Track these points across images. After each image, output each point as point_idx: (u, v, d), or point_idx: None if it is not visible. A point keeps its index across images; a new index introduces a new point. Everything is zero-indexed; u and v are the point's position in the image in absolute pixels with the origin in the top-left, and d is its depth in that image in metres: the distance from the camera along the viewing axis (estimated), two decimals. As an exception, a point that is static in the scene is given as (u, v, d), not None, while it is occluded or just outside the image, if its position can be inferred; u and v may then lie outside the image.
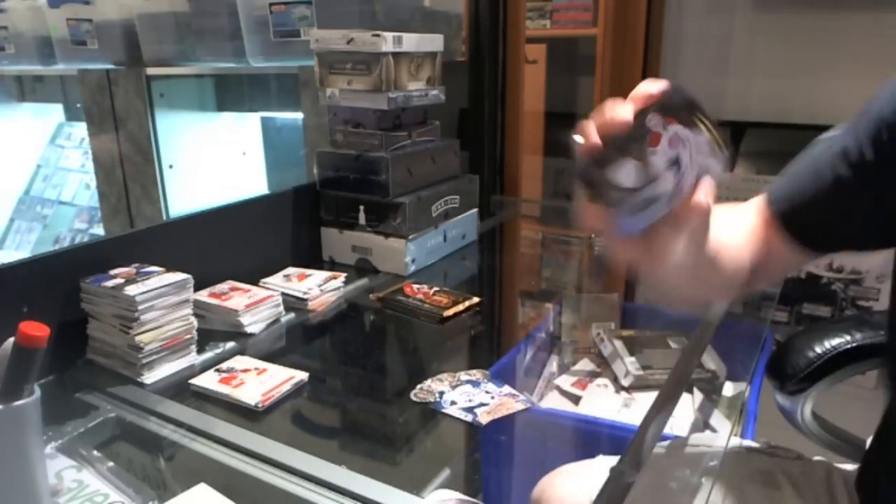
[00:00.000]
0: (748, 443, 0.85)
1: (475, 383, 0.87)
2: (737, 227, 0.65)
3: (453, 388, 0.86)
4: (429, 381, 0.87)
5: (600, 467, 0.78)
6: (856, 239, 0.63)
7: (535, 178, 2.59)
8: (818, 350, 0.91)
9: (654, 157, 0.45)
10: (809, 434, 0.97)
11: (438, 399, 0.83)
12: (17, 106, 2.38)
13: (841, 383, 0.92)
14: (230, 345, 0.98)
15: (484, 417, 0.79)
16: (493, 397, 0.83)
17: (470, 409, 0.81)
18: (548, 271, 1.50)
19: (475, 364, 0.93)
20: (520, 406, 0.81)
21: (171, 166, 1.76)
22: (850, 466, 0.80)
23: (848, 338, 0.92)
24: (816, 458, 0.82)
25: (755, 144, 2.04)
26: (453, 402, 0.82)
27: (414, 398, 0.84)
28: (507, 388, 0.85)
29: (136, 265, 0.92)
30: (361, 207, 1.27)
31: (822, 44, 1.90)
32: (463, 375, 0.88)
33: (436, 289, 1.15)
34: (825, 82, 1.90)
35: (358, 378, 0.97)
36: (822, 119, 1.88)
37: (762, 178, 1.98)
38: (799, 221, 0.63)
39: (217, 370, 0.89)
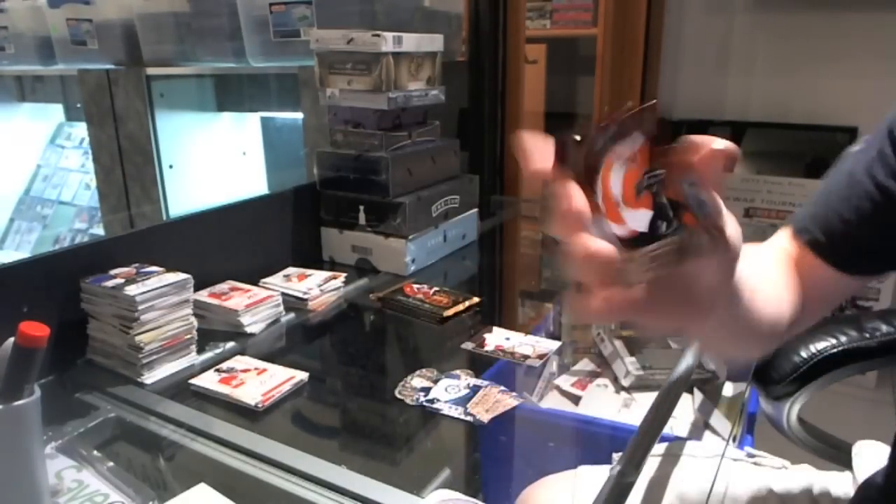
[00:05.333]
0: (734, 452, 0.85)
1: (455, 376, 0.87)
2: (767, 266, 0.58)
3: (435, 382, 0.86)
4: (410, 378, 0.87)
5: (581, 477, 0.78)
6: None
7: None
8: (804, 354, 0.88)
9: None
10: (796, 440, 0.95)
11: (421, 397, 0.83)
12: (17, 106, 2.38)
13: (838, 383, 0.91)
14: (230, 345, 0.98)
15: (485, 416, 0.79)
16: (476, 388, 0.83)
17: (458, 402, 0.80)
18: (548, 271, 1.50)
19: (475, 364, 0.93)
20: (513, 401, 0.81)
21: (171, 166, 1.76)
22: (838, 474, 0.79)
23: (834, 341, 0.88)
24: (803, 466, 0.82)
25: (755, 144, 2.04)
26: (437, 400, 0.82)
27: (398, 395, 0.84)
28: (488, 382, 0.85)
29: (136, 265, 0.92)
30: (361, 207, 1.27)
31: (822, 44, 1.90)
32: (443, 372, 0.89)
33: (436, 289, 1.15)
34: (825, 82, 1.90)
35: (358, 378, 0.97)
36: (822, 119, 1.89)
37: (762, 178, 1.98)
38: (835, 250, 0.57)
39: (217, 370, 0.89)
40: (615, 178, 0.33)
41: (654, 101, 0.33)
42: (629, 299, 0.35)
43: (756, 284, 0.48)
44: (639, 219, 0.33)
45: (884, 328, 0.90)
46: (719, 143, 0.32)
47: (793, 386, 0.89)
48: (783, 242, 0.61)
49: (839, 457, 0.92)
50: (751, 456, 0.83)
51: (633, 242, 0.33)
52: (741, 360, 0.80)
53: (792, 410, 0.91)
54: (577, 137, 0.33)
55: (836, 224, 0.57)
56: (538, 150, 0.34)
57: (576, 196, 0.33)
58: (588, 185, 0.33)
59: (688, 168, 0.33)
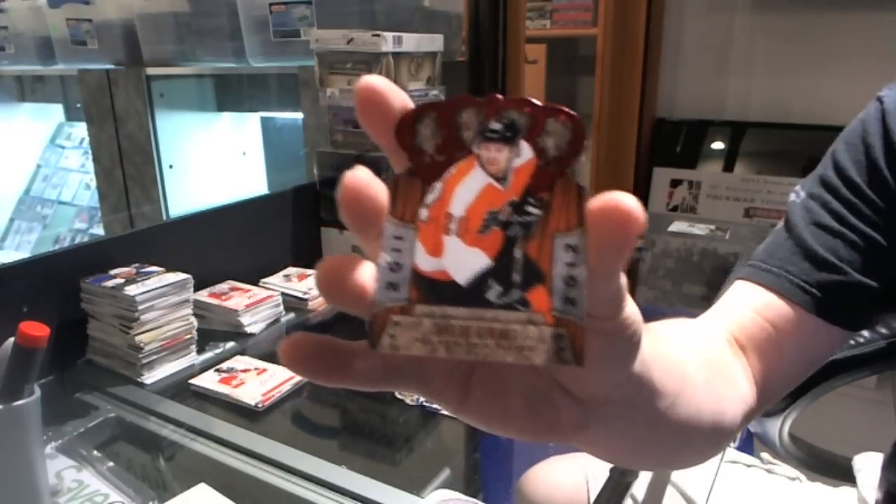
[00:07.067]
0: (747, 458, 0.84)
1: None
2: (705, 348, 0.45)
3: None
4: None
5: (587, 460, 0.78)
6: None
7: (535, 178, 2.59)
8: None
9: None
10: (788, 458, 0.91)
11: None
12: (17, 106, 2.38)
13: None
14: (230, 345, 0.98)
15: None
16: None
17: None
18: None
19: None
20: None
21: (171, 166, 1.76)
22: (848, 489, 0.79)
23: None
24: (816, 483, 0.81)
25: (755, 144, 2.04)
26: None
27: (398, 395, 0.83)
28: None
29: (136, 265, 0.92)
30: (361, 207, 1.27)
31: (822, 44, 1.90)
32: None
33: (436, 289, 1.15)
34: (825, 82, 1.90)
35: (358, 378, 0.97)
36: (822, 119, 1.89)
37: (762, 178, 1.98)
38: (832, 303, 0.48)
39: (217, 370, 0.89)
40: (465, 190, 0.22)
41: (574, 115, 0.22)
42: (373, 367, 0.25)
43: (687, 379, 0.36)
44: (466, 260, 0.22)
45: (867, 335, 0.88)
46: (629, 202, 0.21)
47: (784, 402, 0.86)
48: (746, 301, 0.51)
49: (840, 473, 0.89)
50: (765, 463, 0.82)
51: (433, 290, 0.22)
52: (676, 469, 0.70)
53: (784, 427, 0.88)
54: (435, 111, 0.22)
55: (827, 275, 0.49)
56: (394, 97, 0.23)
57: (371, 180, 0.23)
58: (422, 179, 0.23)
59: (576, 224, 0.22)
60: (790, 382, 0.50)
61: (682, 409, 0.35)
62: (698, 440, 0.40)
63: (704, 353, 0.44)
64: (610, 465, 0.60)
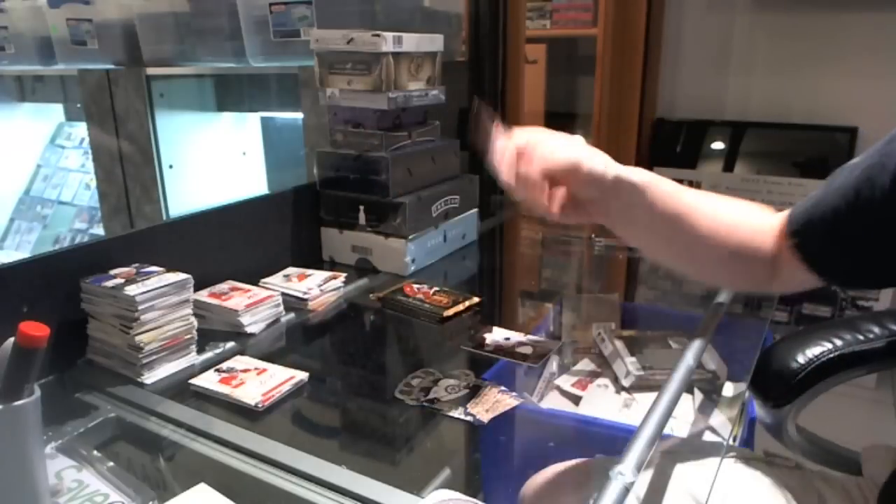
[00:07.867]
0: (747, 451, 0.85)
1: (455, 376, 0.87)
2: (760, 219, 0.69)
3: (435, 382, 0.86)
4: (411, 379, 0.87)
5: (590, 467, 0.79)
6: (874, 274, 0.60)
7: (535, 178, 2.58)
8: (800, 360, 0.87)
9: None
10: (795, 448, 0.93)
11: (421, 397, 0.83)
12: (17, 106, 2.38)
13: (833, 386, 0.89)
14: (230, 345, 0.98)
15: (485, 416, 0.79)
16: (476, 388, 0.83)
17: (458, 402, 0.81)
18: (548, 271, 1.50)
19: (475, 365, 0.93)
20: (513, 401, 0.81)
21: (171, 166, 1.76)
22: (849, 476, 0.79)
23: (829, 346, 0.88)
24: (816, 468, 0.82)
25: (755, 144, 2.04)
26: (437, 400, 0.82)
27: (398, 395, 0.84)
28: (488, 382, 0.85)
29: (136, 265, 0.92)
30: (361, 207, 1.27)
31: (822, 43, 1.90)
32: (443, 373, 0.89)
33: (436, 289, 1.15)
34: (825, 82, 1.90)
35: (358, 378, 0.97)
36: (822, 119, 1.89)
37: (762, 178, 1.98)
38: (811, 250, 0.62)
39: (217, 370, 0.89)
40: None
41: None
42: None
43: (701, 207, 0.66)
44: None
45: (877, 330, 0.89)
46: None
47: (791, 394, 0.88)
48: (778, 219, 0.69)
49: (844, 464, 0.91)
50: (766, 456, 0.83)
51: None
52: (690, 276, 0.83)
53: (791, 419, 0.90)
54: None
55: (820, 226, 0.61)
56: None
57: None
58: None
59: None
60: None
61: (696, 222, 0.66)
62: (706, 249, 0.67)
63: (731, 203, 0.70)
64: (609, 468, 0.60)
